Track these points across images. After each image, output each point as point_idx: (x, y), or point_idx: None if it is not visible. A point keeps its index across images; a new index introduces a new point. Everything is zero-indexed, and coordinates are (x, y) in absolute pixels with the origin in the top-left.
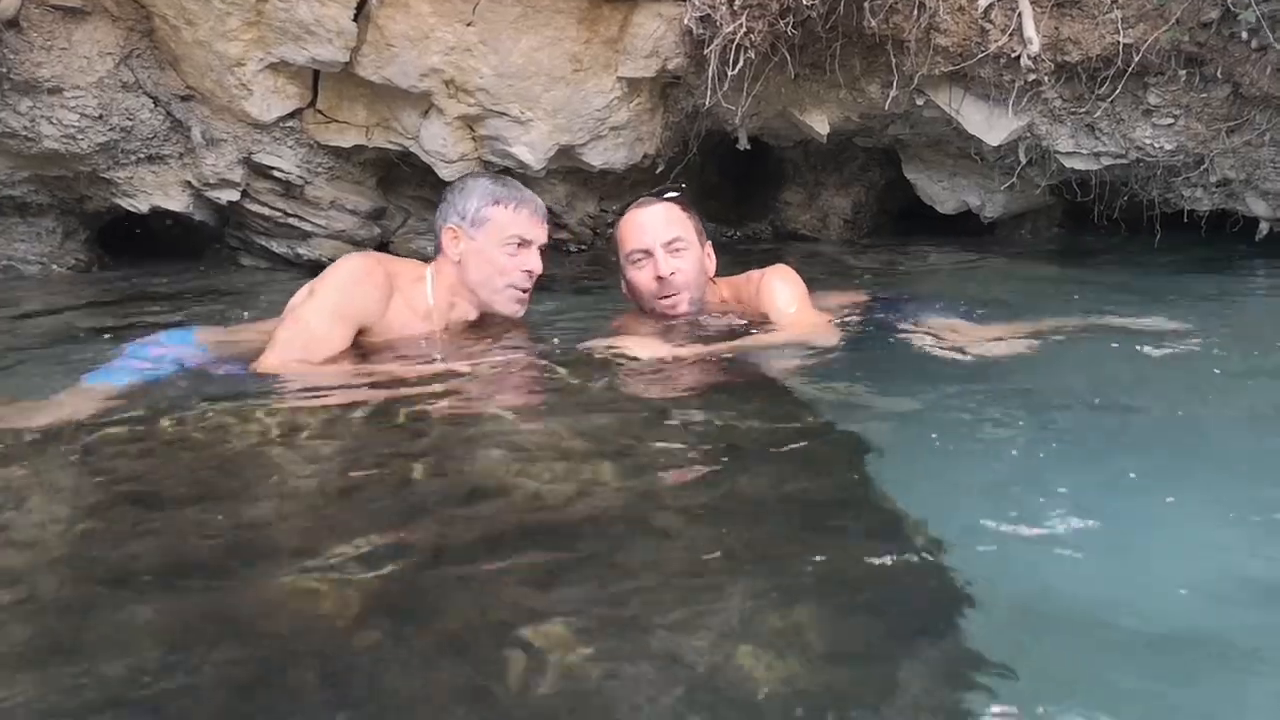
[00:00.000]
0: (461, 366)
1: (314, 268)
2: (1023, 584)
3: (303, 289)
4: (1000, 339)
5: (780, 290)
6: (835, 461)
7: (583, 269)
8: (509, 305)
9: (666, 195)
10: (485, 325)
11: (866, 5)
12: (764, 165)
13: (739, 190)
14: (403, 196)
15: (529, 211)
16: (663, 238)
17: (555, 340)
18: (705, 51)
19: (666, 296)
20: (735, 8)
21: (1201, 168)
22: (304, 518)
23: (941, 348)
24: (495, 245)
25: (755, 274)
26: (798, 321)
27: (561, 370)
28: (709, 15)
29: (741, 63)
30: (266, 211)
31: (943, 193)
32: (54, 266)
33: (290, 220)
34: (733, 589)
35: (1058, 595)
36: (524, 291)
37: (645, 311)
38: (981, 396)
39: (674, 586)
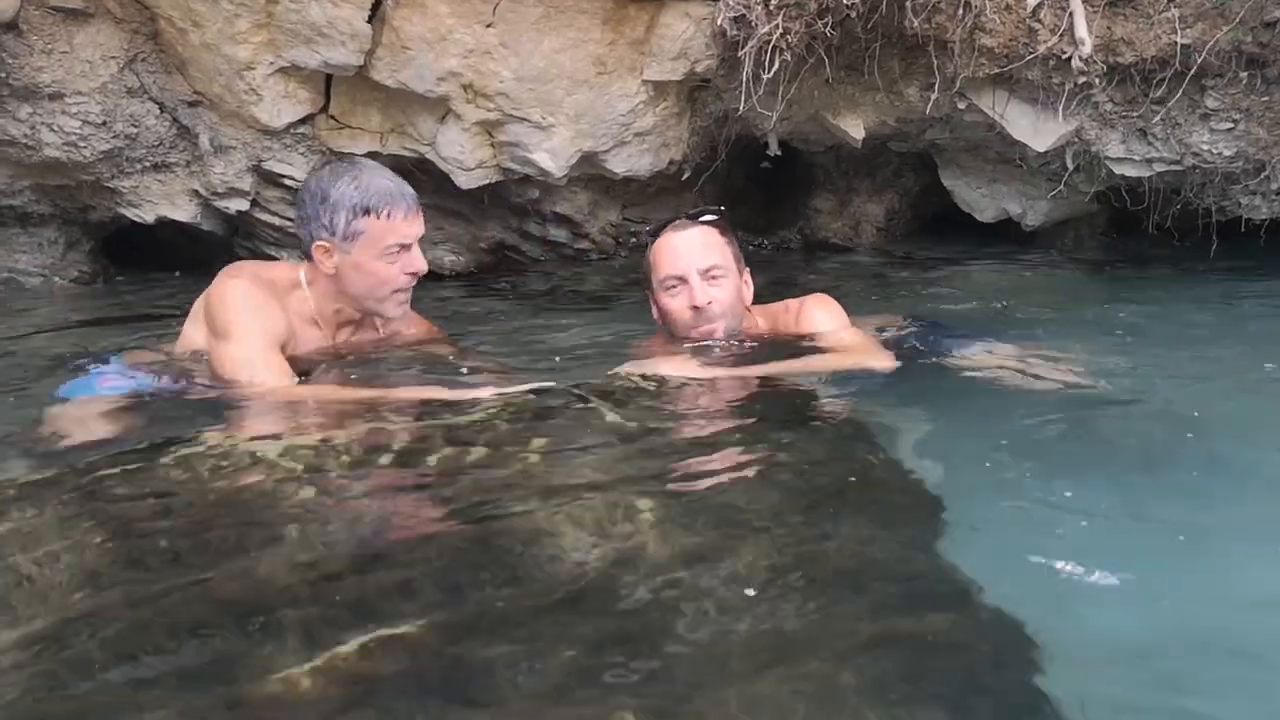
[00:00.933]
0: (483, 394)
1: None
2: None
3: (192, 326)
4: (1043, 363)
5: (822, 318)
6: (898, 512)
7: (604, 282)
8: (394, 310)
9: (704, 218)
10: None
11: (909, 4)
12: (793, 171)
13: (767, 197)
14: (420, 205)
15: (403, 213)
16: (699, 264)
17: (551, 361)
18: (740, 53)
19: (701, 327)
20: (771, 7)
21: (1262, 175)
22: (319, 587)
23: (986, 375)
24: (374, 258)
25: (793, 303)
26: (845, 344)
27: (593, 400)
28: (744, 15)
29: (777, 65)
30: (277, 221)
31: (982, 200)
32: (56, 279)
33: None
34: (795, 674)
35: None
36: (408, 291)
37: (676, 340)
38: (1032, 429)
39: (735, 677)
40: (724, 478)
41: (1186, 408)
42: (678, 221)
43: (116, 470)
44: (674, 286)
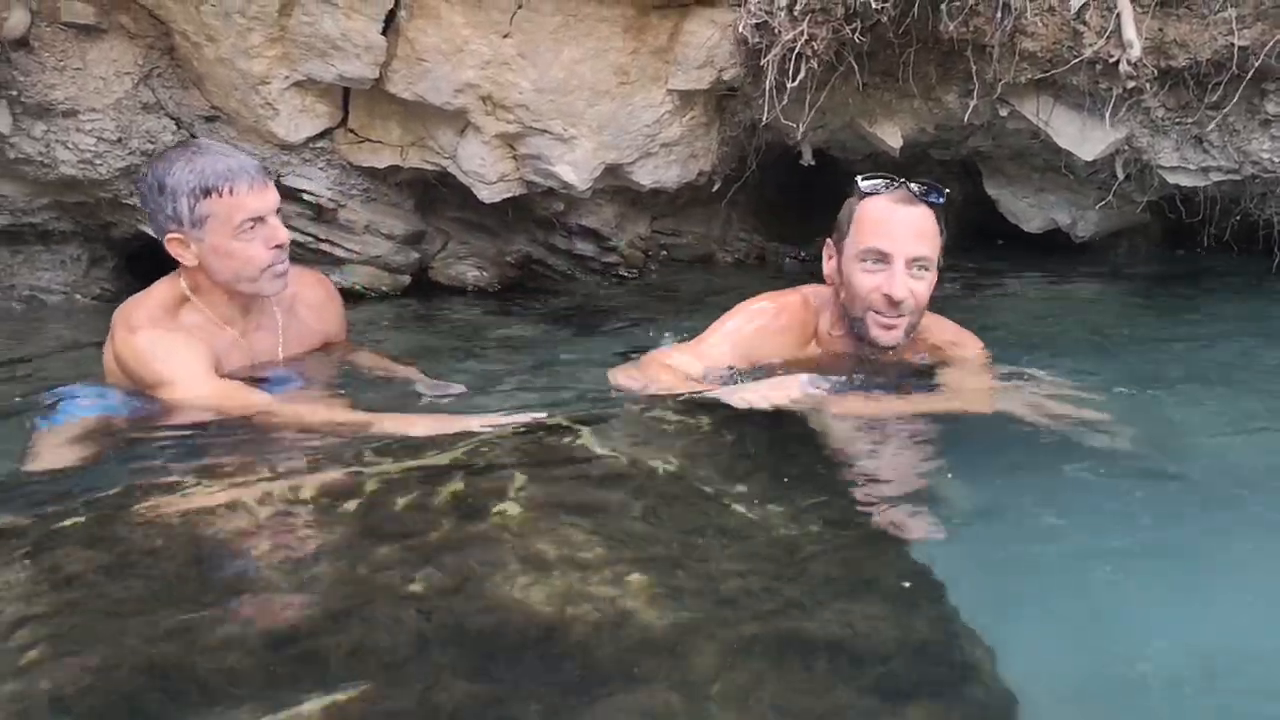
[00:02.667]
0: (473, 424)
1: (347, 295)
2: None
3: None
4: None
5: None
6: (913, 593)
7: (632, 301)
8: (271, 286)
9: (931, 196)
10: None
11: (944, 7)
12: (831, 180)
13: (802, 207)
14: (443, 218)
15: (246, 185)
16: (911, 251)
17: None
18: (762, 62)
19: (887, 319)
20: (795, 13)
21: None
22: (271, 654)
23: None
24: (228, 239)
25: (956, 331)
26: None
27: (585, 437)
28: (766, 22)
29: (803, 73)
30: (298, 237)
31: (1029, 210)
32: (78, 296)
33: (322, 246)
34: None
35: None
36: (281, 265)
37: (834, 316)
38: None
39: None
40: (719, 537)
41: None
42: (900, 188)
43: (76, 520)
44: (875, 262)
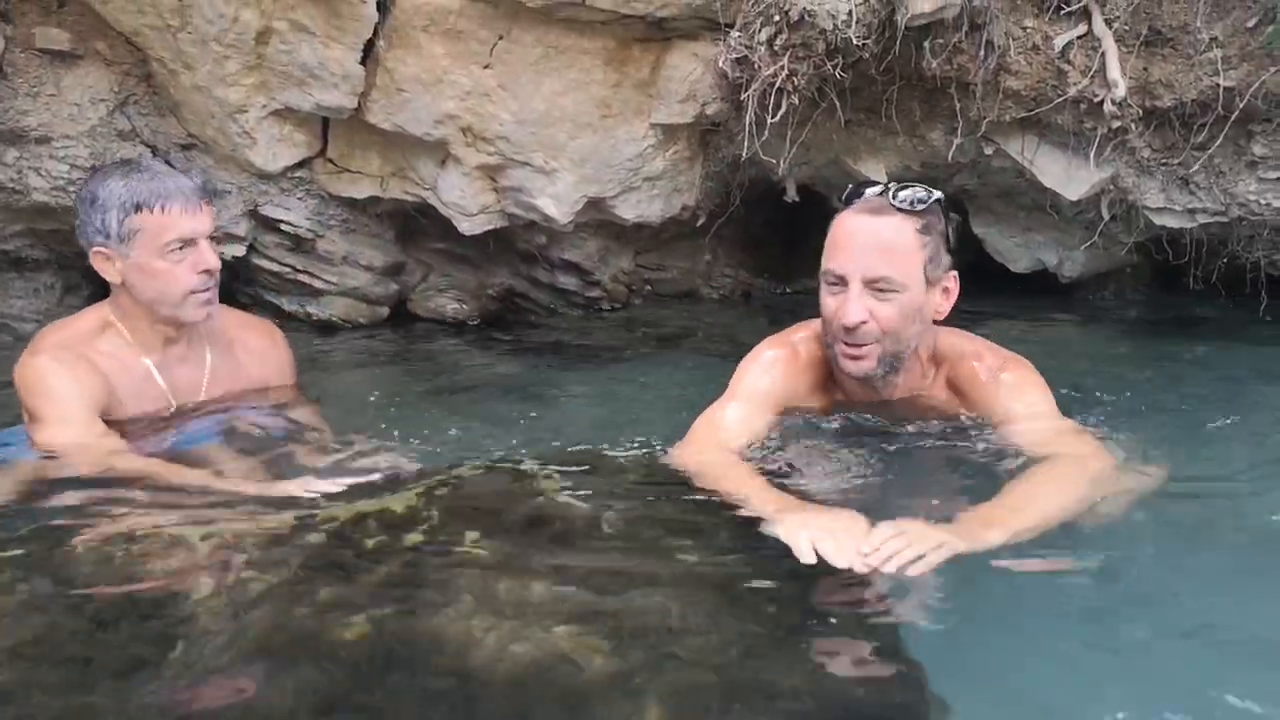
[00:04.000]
0: (293, 489)
1: (324, 327)
2: None
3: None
4: None
5: (1032, 399)
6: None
7: (614, 337)
8: (195, 313)
9: (904, 200)
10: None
11: (927, 45)
12: (817, 216)
13: (790, 242)
14: (424, 250)
15: (180, 206)
16: (868, 270)
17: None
18: (742, 97)
19: (845, 348)
20: (776, 48)
21: None
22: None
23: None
24: (155, 257)
25: (991, 358)
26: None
27: (537, 479)
28: (746, 57)
29: (784, 108)
30: (275, 267)
31: (1015, 249)
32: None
33: (300, 277)
34: None
35: None
36: (207, 292)
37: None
38: None
39: None
40: (670, 585)
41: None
42: (873, 195)
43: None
44: (833, 284)
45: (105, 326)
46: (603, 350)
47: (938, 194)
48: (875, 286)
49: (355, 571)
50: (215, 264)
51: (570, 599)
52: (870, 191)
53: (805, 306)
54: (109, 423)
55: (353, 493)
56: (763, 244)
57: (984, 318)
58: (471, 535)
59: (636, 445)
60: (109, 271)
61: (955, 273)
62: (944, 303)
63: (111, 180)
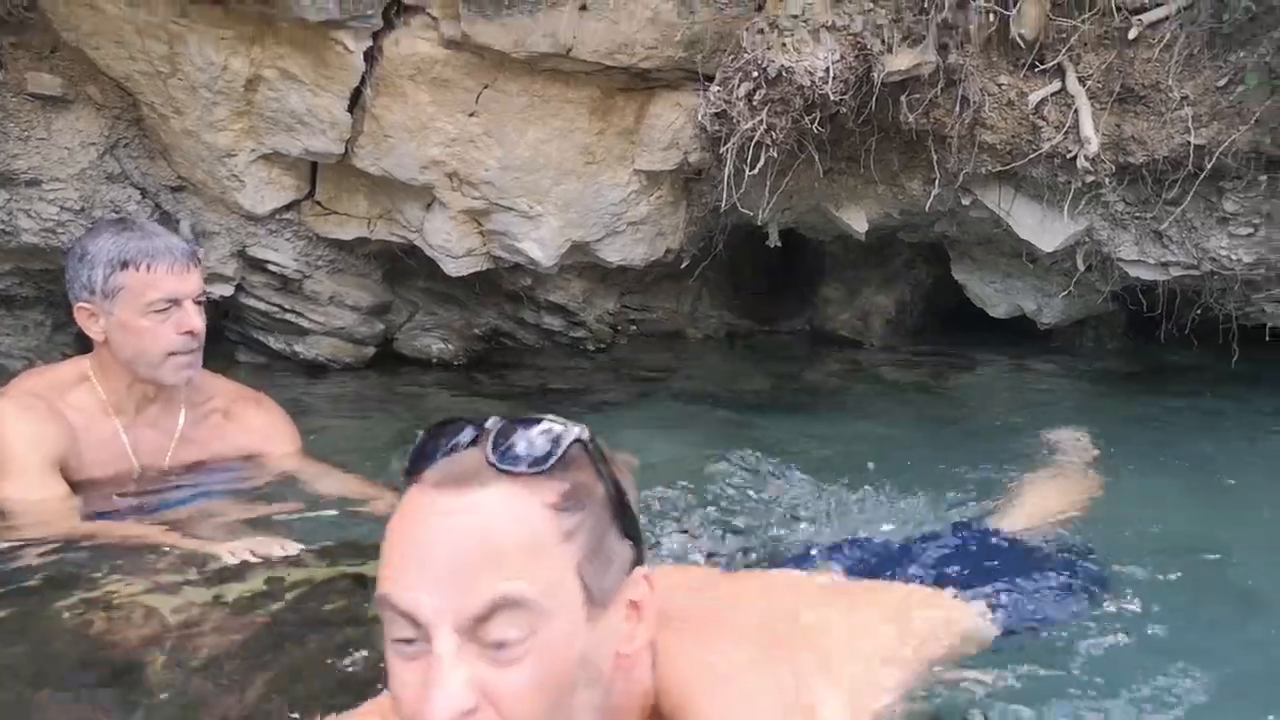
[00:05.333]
0: (221, 550)
1: (311, 367)
2: None
3: None
4: None
5: None
6: None
7: (595, 380)
8: (174, 376)
9: (515, 460)
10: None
11: (903, 100)
12: (804, 257)
13: (775, 284)
14: (412, 289)
15: (167, 266)
16: (459, 606)
17: None
18: (721, 150)
19: None
20: (754, 103)
21: None
22: None
23: None
24: (137, 316)
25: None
26: None
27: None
28: (725, 111)
29: (763, 160)
30: (263, 306)
31: (995, 295)
32: (40, 362)
33: (287, 316)
34: None
35: None
36: (188, 355)
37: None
38: None
39: None
40: None
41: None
42: (457, 454)
43: None
44: (407, 644)
45: (81, 380)
46: (583, 393)
47: (578, 430)
48: (485, 637)
49: (311, 636)
50: (199, 326)
51: None
52: (460, 437)
53: (789, 347)
54: (73, 480)
55: (277, 562)
56: (748, 286)
57: (968, 362)
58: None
59: None
60: (92, 328)
61: (646, 569)
62: (634, 630)
63: (102, 237)
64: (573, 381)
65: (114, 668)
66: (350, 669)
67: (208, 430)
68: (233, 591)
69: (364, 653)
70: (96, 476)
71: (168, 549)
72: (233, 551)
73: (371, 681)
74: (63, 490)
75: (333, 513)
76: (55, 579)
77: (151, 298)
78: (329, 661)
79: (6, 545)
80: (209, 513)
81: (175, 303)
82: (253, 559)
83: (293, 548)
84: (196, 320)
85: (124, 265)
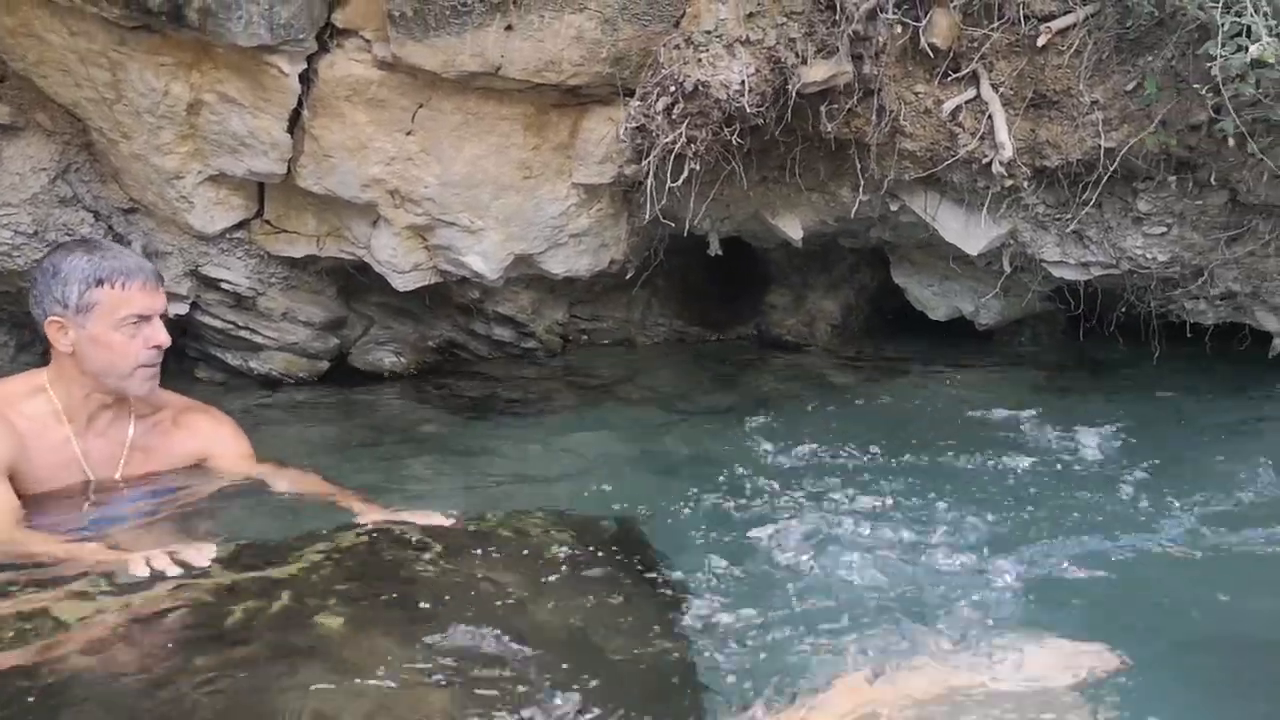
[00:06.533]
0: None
1: (265, 381)
2: None
3: None
4: None
5: None
6: None
7: (542, 389)
8: (140, 387)
9: None
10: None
11: (822, 110)
12: (750, 265)
13: (723, 292)
14: (367, 304)
15: (139, 284)
16: None
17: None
18: (642, 163)
19: None
20: (674, 117)
21: (1201, 279)
22: None
23: None
24: (110, 330)
25: None
26: None
27: (426, 546)
28: (644, 125)
29: (686, 172)
30: (219, 324)
31: (934, 298)
32: None
33: (242, 333)
34: None
35: None
36: (154, 367)
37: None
38: None
39: None
40: (536, 648)
41: None
42: None
43: None
44: None
45: (36, 391)
46: (533, 401)
47: None
48: None
49: (222, 644)
50: (166, 341)
51: (436, 668)
52: None
53: (737, 352)
54: (22, 487)
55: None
56: (698, 293)
57: (907, 364)
58: (339, 606)
59: (527, 508)
60: (60, 341)
61: None
62: None
63: (74, 256)
64: (523, 390)
65: (24, 675)
66: (242, 674)
67: (157, 438)
68: (139, 599)
69: (258, 654)
70: (49, 483)
71: (88, 560)
72: (149, 560)
73: (262, 689)
74: (5, 495)
75: (266, 518)
76: None
77: (123, 314)
78: (229, 668)
79: None
80: (151, 522)
81: (145, 318)
82: (170, 569)
83: (209, 554)
84: (164, 335)
85: (99, 282)
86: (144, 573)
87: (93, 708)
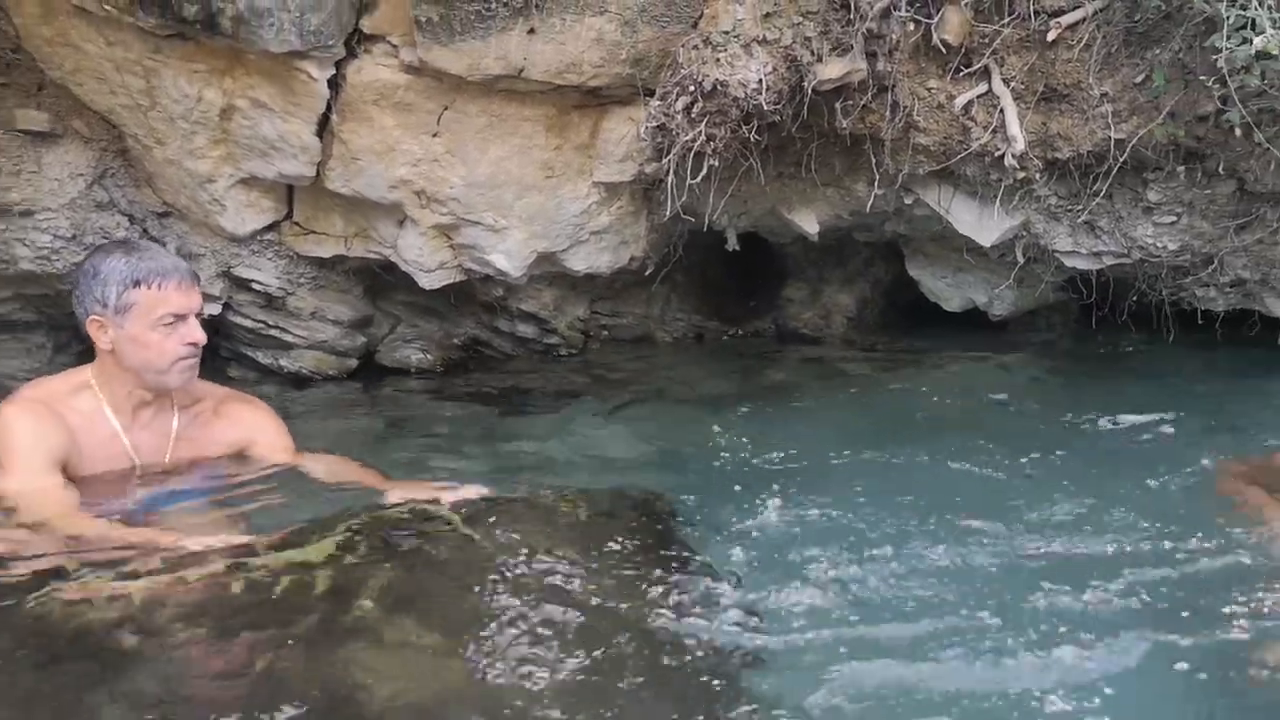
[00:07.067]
0: (189, 544)
1: (295, 379)
2: None
3: None
4: None
5: None
6: None
7: (563, 381)
8: (177, 379)
9: None
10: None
11: (838, 106)
12: (768, 260)
13: (743, 286)
14: (393, 302)
15: (175, 284)
16: None
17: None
18: (662, 161)
19: None
20: (693, 116)
21: (1211, 267)
22: None
23: None
24: (147, 329)
25: None
26: None
27: (457, 523)
28: (664, 124)
29: (705, 170)
30: (250, 324)
31: (948, 290)
32: None
33: (272, 332)
34: None
35: None
36: (191, 359)
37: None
38: None
39: None
40: (571, 628)
41: None
42: None
43: None
44: None
45: (82, 388)
46: (556, 395)
47: None
48: None
49: (267, 622)
50: (201, 338)
51: (470, 644)
52: None
53: (755, 346)
54: (75, 478)
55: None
56: (716, 288)
57: (922, 355)
58: (375, 583)
59: (553, 489)
60: (101, 339)
61: None
62: None
63: (113, 257)
64: (546, 384)
65: (88, 648)
66: (291, 643)
67: (200, 428)
68: (188, 580)
69: (300, 631)
70: (100, 474)
71: (142, 545)
72: (198, 544)
73: (305, 663)
74: (61, 486)
75: (306, 501)
76: (40, 571)
77: (160, 313)
78: (273, 644)
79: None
80: (198, 507)
81: (181, 318)
82: (217, 545)
83: (248, 540)
84: (199, 333)
85: (136, 283)
86: (193, 553)
87: (146, 680)
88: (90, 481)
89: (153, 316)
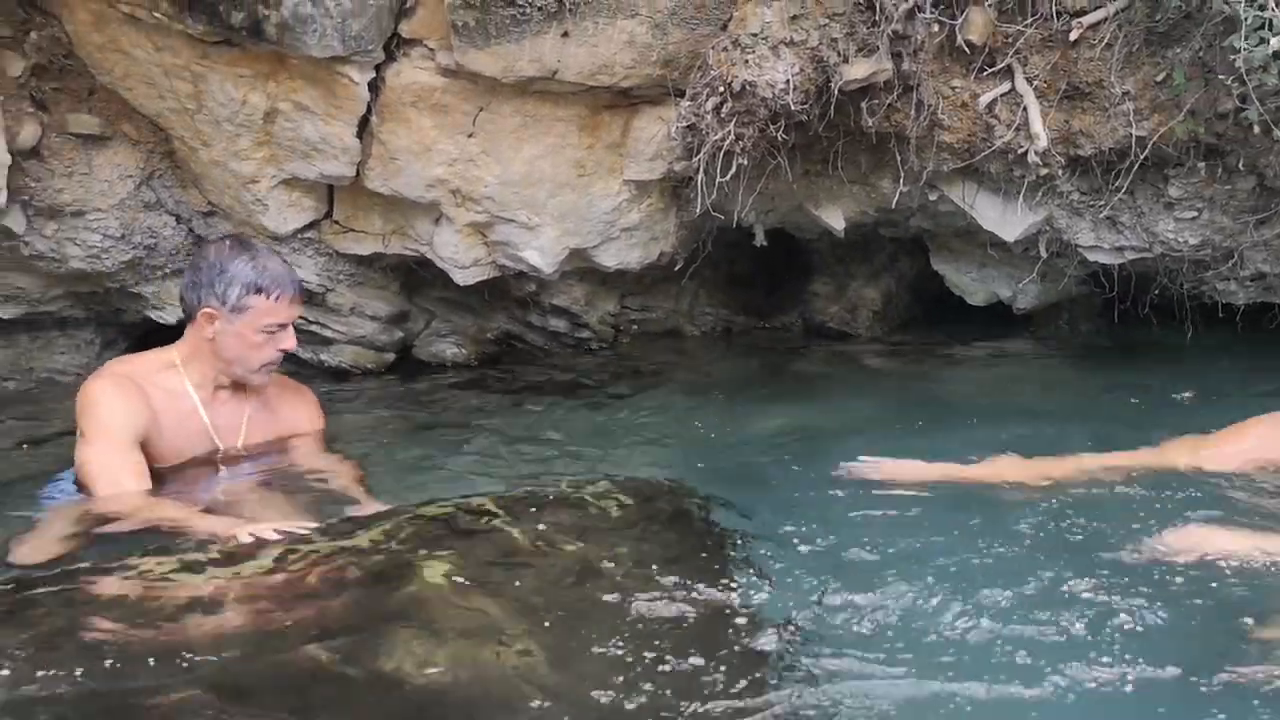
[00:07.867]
0: (240, 533)
1: (335, 373)
2: None
3: None
4: None
5: None
6: None
7: (595, 374)
8: (262, 378)
9: None
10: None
11: (864, 105)
12: (795, 255)
13: (770, 281)
14: (429, 298)
15: (289, 297)
16: None
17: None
18: (693, 160)
19: None
20: (722, 115)
21: (1231, 261)
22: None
23: None
24: (254, 332)
25: None
26: None
27: (499, 515)
28: (694, 124)
29: (734, 168)
30: None
31: (972, 284)
32: None
33: (313, 327)
34: None
35: None
36: (278, 363)
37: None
38: None
39: None
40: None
41: None
42: None
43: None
44: None
45: (168, 367)
46: (588, 388)
47: None
48: None
49: (321, 605)
50: (294, 345)
51: (513, 632)
52: None
53: (782, 340)
54: (155, 452)
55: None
56: (744, 283)
57: (947, 349)
58: (423, 568)
59: (589, 480)
60: (206, 328)
61: None
62: None
63: (243, 258)
64: (578, 377)
65: (156, 632)
66: (338, 629)
67: (267, 412)
68: (247, 568)
69: (353, 612)
70: (182, 451)
71: (201, 532)
72: (255, 533)
73: (357, 642)
74: (137, 461)
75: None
76: (104, 555)
77: (269, 321)
78: (328, 626)
79: (82, 530)
80: (265, 491)
81: (283, 326)
82: (272, 536)
83: (304, 527)
84: (293, 341)
85: (259, 290)
86: (249, 540)
87: (204, 661)
88: (171, 458)
89: (263, 322)
